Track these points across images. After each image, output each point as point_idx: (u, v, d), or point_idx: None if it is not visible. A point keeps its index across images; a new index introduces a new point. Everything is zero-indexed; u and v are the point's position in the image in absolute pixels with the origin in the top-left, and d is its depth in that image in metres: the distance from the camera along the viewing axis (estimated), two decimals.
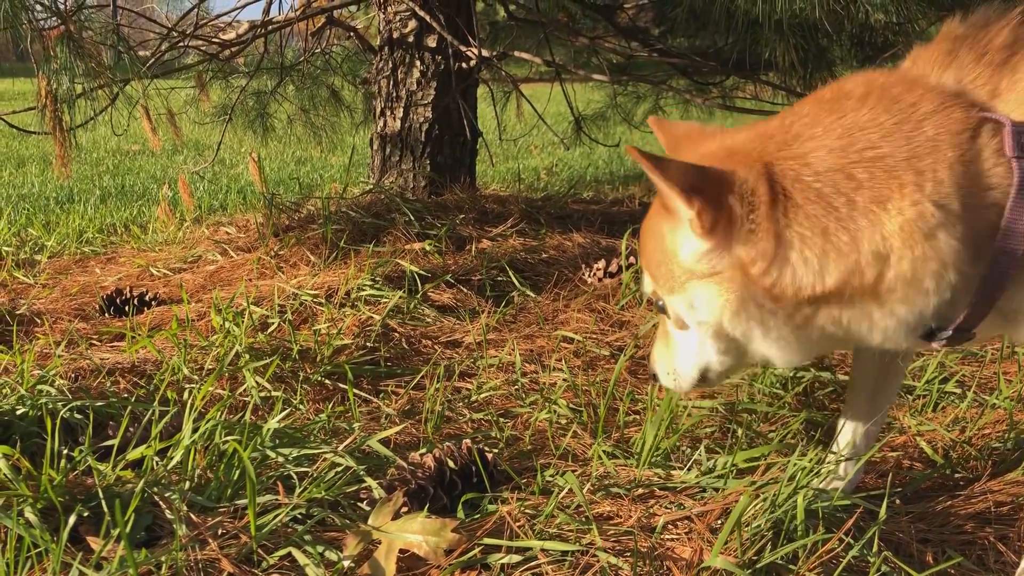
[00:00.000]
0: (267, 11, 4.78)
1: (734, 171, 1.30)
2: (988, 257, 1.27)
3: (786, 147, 1.32)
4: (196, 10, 4.15)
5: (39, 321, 3.01)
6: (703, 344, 1.45)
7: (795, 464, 1.53)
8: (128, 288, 3.24)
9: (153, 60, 3.73)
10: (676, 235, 1.38)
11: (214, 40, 4.34)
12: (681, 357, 1.52)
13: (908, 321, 1.31)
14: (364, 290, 3.02)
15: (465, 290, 3.18)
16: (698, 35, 4.95)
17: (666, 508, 1.62)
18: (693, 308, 1.40)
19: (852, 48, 4.00)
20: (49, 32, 2.78)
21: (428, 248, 3.57)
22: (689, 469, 1.77)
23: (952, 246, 1.24)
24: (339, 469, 1.74)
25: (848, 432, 1.76)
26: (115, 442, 1.73)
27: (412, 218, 3.78)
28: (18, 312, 3.08)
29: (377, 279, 3.12)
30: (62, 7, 2.67)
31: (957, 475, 1.85)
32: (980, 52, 1.36)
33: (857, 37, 3.87)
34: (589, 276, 3.34)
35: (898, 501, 1.72)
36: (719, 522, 1.53)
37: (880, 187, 1.25)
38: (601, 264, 3.34)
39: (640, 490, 1.69)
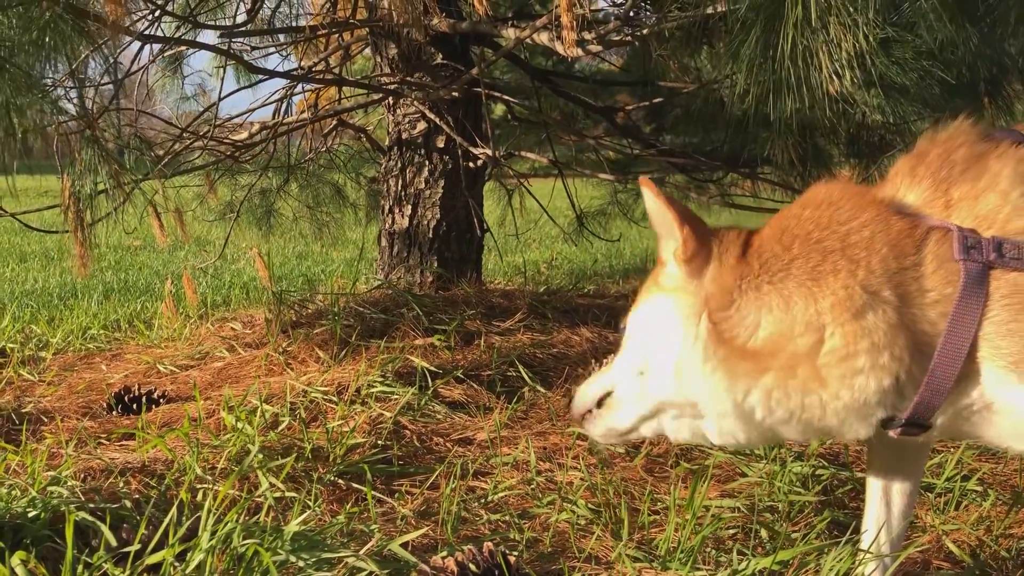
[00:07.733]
0: (276, 113, 4.92)
1: (721, 229, 1.53)
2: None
3: (762, 231, 1.54)
4: (209, 112, 4.26)
5: (46, 420, 2.98)
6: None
7: (830, 566, 1.50)
8: (136, 385, 3.23)
9: (167, 159, 3.81)
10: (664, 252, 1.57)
11: (226, 141, 4.44)
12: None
13: (855, 402, 1.39)
14: (375, 386, 3.00)
15: (475, 386, 3.17)
16: (693, 133, 5.09)
17: None
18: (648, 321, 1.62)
19: (849, 146, 4.11)
20: (72, 135, 2.86)
21: (437, 343, 3.57)
22: (717, 571, 1.73)
23: (882, 328, 1.36)
24: (362, 574, 1.71)
25: (872, 534, 1.73)
26: (134, 548, 1.70)
27: (420, 313, 3.80)
28: (24, 411, 3.05)
29: (387, 375, 3.11)
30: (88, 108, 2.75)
31: None
32: (937, 168, 1.50)
33: (854, 136, 3.98)
34: None
35: None
36: None
37: (816, 267, 1.41)
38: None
39: None
